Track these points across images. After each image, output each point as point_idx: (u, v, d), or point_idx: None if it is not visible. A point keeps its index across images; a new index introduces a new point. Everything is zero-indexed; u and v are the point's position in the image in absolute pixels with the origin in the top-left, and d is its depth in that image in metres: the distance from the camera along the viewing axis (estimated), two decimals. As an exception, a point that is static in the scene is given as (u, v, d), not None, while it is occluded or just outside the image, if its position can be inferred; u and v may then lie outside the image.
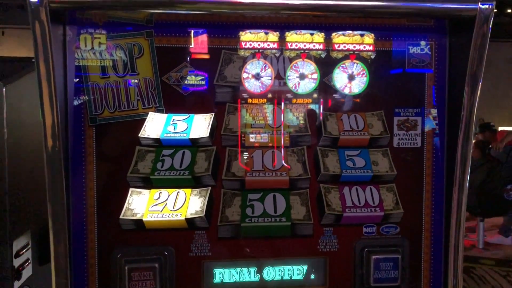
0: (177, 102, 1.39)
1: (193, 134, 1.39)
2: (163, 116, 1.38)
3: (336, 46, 1.44)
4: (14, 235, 1.85)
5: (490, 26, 1.32)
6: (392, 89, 1.47)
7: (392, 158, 1.45)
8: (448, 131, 1.46)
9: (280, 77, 1.44)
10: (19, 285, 1.89)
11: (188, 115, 1.40)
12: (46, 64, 1.24)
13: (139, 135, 1.37)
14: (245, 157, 1.43)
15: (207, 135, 1.38)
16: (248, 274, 1.42)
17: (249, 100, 1.43)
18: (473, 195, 5.48)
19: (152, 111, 1.37)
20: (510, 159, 5.88)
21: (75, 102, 1.34)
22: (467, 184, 1.42)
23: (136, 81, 1.36)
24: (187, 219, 1.36)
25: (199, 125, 1.39)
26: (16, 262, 1.87)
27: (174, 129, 1.38)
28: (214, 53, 1.39)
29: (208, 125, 1.39)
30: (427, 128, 1.47)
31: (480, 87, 1.38)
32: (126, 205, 1.36)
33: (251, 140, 1.44)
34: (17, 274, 1.88)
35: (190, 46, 1.38)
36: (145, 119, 1.37)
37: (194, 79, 1.39)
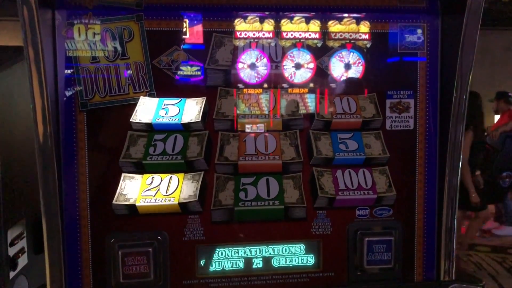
0: (169, 86, 1.38)
1: (185, 119, 1.38)
2: (155, 101, 1.38)
3: (332, 35, 1.44)
4: (9, 224, 1.85)
5: (483, 5, 1.32)
6: (385, 71, 1.47)
7: (384, 140, 1.45)
8: (440, 113, 1.46)
9: (273, 61, 1.43)
10: (14, 274, 1.89)
11: (180, 99, 1.39)
12: (34, 49, 1.23)
13: (131, 120, 1.36)
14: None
15: (199, 120, 1.38)
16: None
17: (245, 91, 1.43)
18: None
19: (143, 96, 1.37)
20: (505, 147, 5.89)
21: (65, 87, 1.33)
22: (460, 166, 1.43)
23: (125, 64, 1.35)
24: (180, 204, 1.36)
25: (191, 110, 1.39)
26: (11, 251, 1.86)
27: (165, 114, 1.38)
28: (205, 36, 1.38)
29: (200, 109, 1.39)
30: (419, 110, 1.46)
31: (472, 68, 1.38)
32: (118, 190, 1.35)
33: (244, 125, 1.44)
34: (13, 263, 1.87)
35: (181, 30, 1.36)
36: (137, 103, 1.36)
37: (189, 70, 1.38)
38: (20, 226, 1.94)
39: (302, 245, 1.44)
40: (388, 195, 1.44)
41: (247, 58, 1.42)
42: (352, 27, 1.44)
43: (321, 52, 1.45)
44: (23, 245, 1.96)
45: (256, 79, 1.43)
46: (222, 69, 1.40)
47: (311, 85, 1.46)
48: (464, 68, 1.37)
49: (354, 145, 1.44)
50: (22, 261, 1.95)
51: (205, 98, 1.40)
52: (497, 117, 7.54)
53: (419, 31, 1.45)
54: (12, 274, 1.86)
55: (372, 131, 1.46)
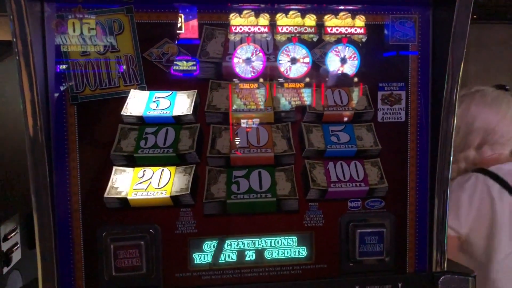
0: (159, 79, 1.37)
1: (176, 111, 1.37)
2: (145, 94, 1.37)
3: (328, 29, 1.43)
4: (2, 219, 1.85)
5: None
6: (376, 63, 1.47)
7: (376, 132, 1.45)
8: (432, 104, 1.46)
9: (267, 54, 1.43)
10: (8, 269, 1.89)
11: (171, 92, 1.39)
12: (23, 42, 1.22)
13: (122, 113, 1.35)
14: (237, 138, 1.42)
15: (191, 112, 1.37)
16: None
17: (241, 85, 1.43)
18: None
19: (134, 89, 1.36)
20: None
21: (56, 80, 1.32)
22: (451, 157, 1.43)
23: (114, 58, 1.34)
24: (172, 197, 1.35)
25: (182, 102, 1.38)
26: (5, 246, 1.86)
27: (156, 107, 1.37)
28: (196, 29, 1.37)
29: (191, 102, 1.38)
30: (411, 102, 1.46)
31: (463, 59, 1.38)
32: (110, 183, 1.35)
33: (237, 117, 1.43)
34: (6, 258, 1.87)
35: (171, 22, 1.36)
36: (127, 96, 1.36)
37: (185, 65, 1.37)
38: (13, 221, 1.93)
39: (295, 237, 1.44)
40: (380, 187, 1.44)
41: (242, 52, 1.41)
42: (348, 21, 1.43)
43: (313, 45, 1.45)
44: (17, 240, 1.96)
45: (252, 73, 1.42)
46: (213, 61, 1.39)
47: (305, 78, 1.45)
48: (455, 59, 1.37)
49: (346, 137, 1.44)
50: (16, 256, 1.95)
51: (196, 91, 1.39)
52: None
53: (410, 23, 1.44)
54: (5, 269, 1.86)
55: (364, 123, 1.46)
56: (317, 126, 1.45)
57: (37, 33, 1.27)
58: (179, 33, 1.37)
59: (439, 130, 1.41)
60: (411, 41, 1.45)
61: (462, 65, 1.38)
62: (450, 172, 1.44)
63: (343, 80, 1.47)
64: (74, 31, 1.31)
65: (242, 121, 1.43)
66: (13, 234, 1.92)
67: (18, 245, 1.97)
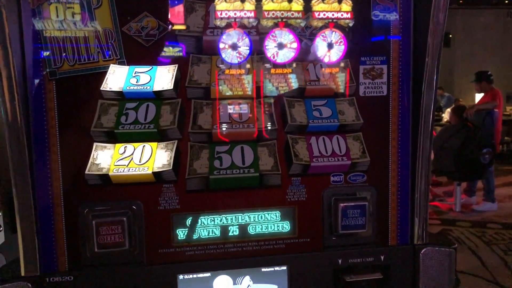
0: (139, 53, 1.35)
1: (157, 87, 1.36)
2: (125, 69, 1.35)
3: (316, 14, 1.42)
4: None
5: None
6: (358, 37, 1.46)
7: (358, 107, 1.45)
8: (413, 78, 1.47)
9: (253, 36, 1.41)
10: (-8, 252, 1.87)
11: (151, 67, 1.37)
12: (-3, 14, 1.19)
13: (101, 88, 1.33)
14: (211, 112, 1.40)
15: (171, 87, 1.36)
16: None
17: (227, 71, 1.41)
18: (451, 159, 5.59)
19: (113, 63, 1.34)
20: (485, 124, 5.99)
21: (33, 56, 1.29)
22: (432, 131, 1.45)
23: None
24: (154, 173, 1.35)
25: (163, 77, 1.37)
26: (-13, 229, 1.84)
27: (137, 82, 1.36)
28: (175, 1, 1.35)
29: (172, 77, 1.37)
30: (392, 76, 1.47)
31: (444, 31, 1.38)
32: (91, 160, 1.34)
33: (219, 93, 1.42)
34: (-11, 241, 1.85)
35: (150, -5, 1.34)
36: (107, 71, 1.34)
37: (171, 51, 1.36)
38: (-5, 204, 1.91)
39: (278, 212, 1.45)
40: (362, 161, 1.45)
41: (228, 38, 1.39)
42: (334, 6, 1.41)
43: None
44: (0, 223, 1.94)
45: (238, 59, 1.40)
46: (193, 35, 1.38)
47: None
48: (436, 31, 1.37)
49: (328, 111, 1.45)
50: (-1, 239, 1.93)
51: (176, 65, 1.38)
52: (477, 97, 7.66)
53: (392, -4, 1.44)
54: (-11, 252, 1.84)
55: (346, 97, 1.46)
56: (299, 101, 1.45)
57: (12, 6, 1.24)
58: (158, 6, 1.34)
59: (421, 103, 1.42)
60: (392, 14, 1.45)
61: (443, 37, 1.39)
62: (431, 145, 1.45)
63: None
64: (57, 16, 1.29)
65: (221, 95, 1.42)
66: (-4, 217, 1.90)
67: (1, 228, 1.94)
